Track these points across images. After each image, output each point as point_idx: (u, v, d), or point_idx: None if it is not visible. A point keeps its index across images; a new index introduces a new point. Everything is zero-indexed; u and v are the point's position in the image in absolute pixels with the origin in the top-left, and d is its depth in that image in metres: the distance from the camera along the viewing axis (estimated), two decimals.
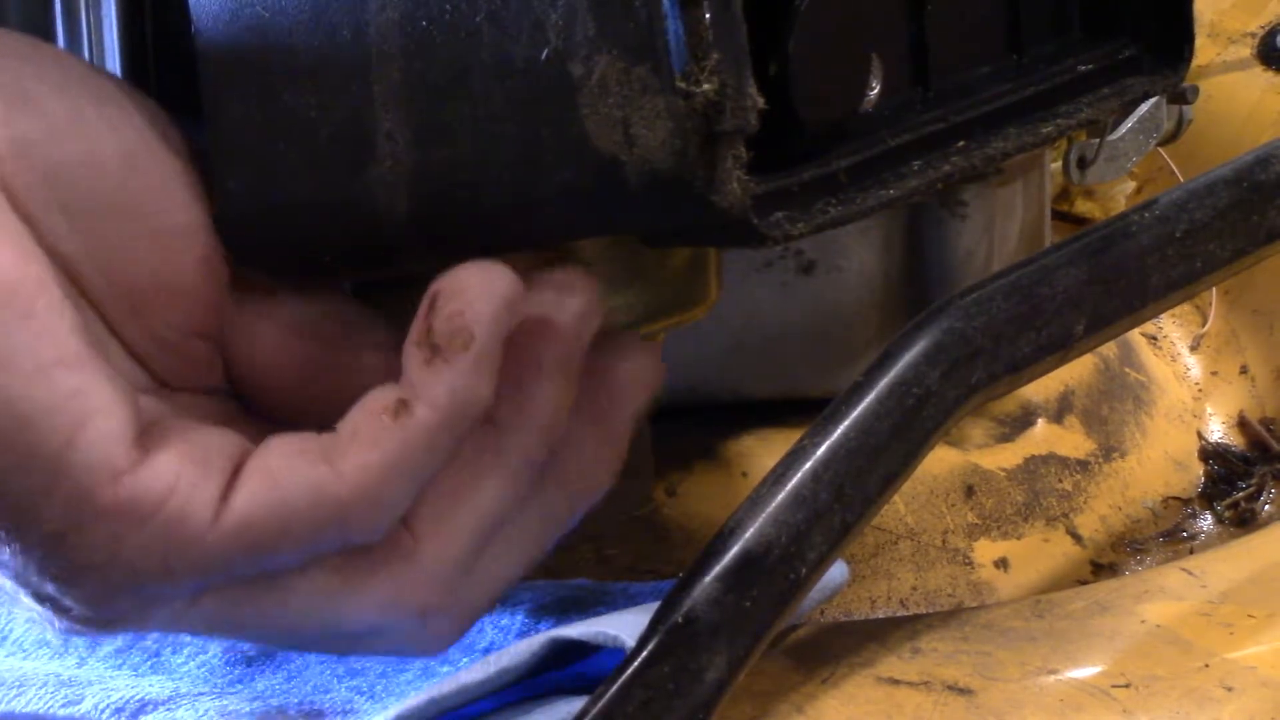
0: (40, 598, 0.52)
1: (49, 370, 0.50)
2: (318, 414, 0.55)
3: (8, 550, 0.51)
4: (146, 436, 0.51)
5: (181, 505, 0.50)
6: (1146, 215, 0.60)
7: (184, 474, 0.51)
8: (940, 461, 0.79)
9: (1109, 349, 0.89)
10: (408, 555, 0.53)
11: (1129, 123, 0.86)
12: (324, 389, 0.56)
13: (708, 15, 0.49)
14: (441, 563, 0.54)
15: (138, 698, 0.61)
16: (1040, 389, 0.84)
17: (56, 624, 0.53)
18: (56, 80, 0.54)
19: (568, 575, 0.68)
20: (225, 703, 0.61)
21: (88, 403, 0.50)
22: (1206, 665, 0.56)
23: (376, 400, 0.52)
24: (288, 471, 0.51)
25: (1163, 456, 0.88)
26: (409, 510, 0.53)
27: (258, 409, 0.57)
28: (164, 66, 0.59)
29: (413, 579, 0.53)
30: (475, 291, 0.51)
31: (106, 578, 0.51)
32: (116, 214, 0.53)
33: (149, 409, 0.53)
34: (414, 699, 0.56)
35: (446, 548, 0.54)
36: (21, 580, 0.52)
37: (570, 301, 0.54)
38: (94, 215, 0.53)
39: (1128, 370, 0.90)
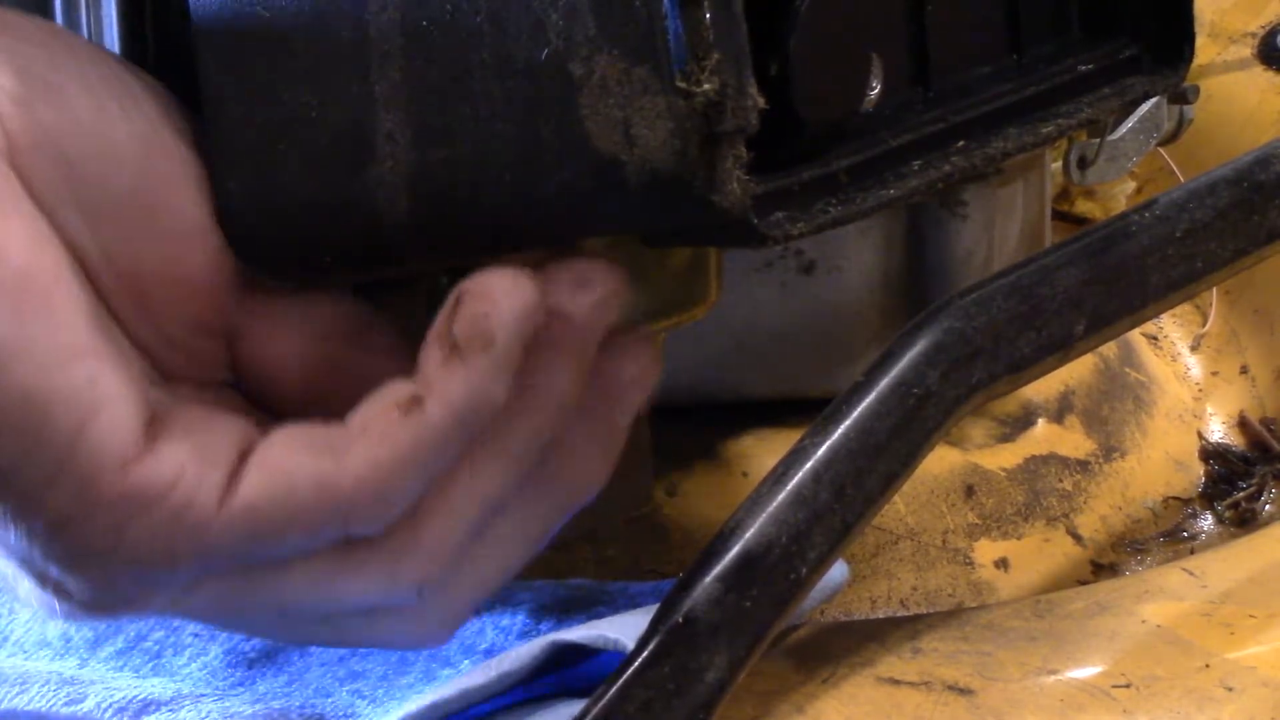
0: (43, 581, 0.52)
1: (65, 359, 0.50)
2: (324, 413, 0.55)
3: (14, 533, 0.51)
4: (154, 425, 0.51)
5: (187, 494, 0.51)
6: (1146, 215, 0.60)
7: (190, 462, 0.51)
8: (940, 461, 0.79)
9: (1109, 349, 0.89)
10: (409, 530, 0.53)
11: (1129, 123, 0.86)
12: (332, 388, 0.56)
13: (708, 15, 0.49)
14: (442, 540, 0.53)
15: (140, 698, 0.61)
16: (1040, 389, 0.84)
17: (57, 608, 0.53)
18: (76, 70, 0.53)
19: (568, 575, 0.68)
20: (227, 704, 0.61)
21: (100, 392, 0.50)
22: (1207, 665, 0.56)
23: (388, 395, 0.52)
24: (294, 463, 0.51)
25: (1163, 456, 0.88)
26: None
27: (264, 406, 0.57)
28: (164, 67, 0.59)
29: (412, 554, 0.53)
30: (500, 295, 0.51)
31: (110, 563, 0.51)
32: (129, 210, 0.53)
33: (155, 399, 0.53)
34: (416, 703, 0.56)
35: (448, 525, 0.53)
36: (25, 564, 0.52)
37: (586, 295, 0.54)
38: (107, 210, 0.53)
39: (1128, 370, 0.90)
